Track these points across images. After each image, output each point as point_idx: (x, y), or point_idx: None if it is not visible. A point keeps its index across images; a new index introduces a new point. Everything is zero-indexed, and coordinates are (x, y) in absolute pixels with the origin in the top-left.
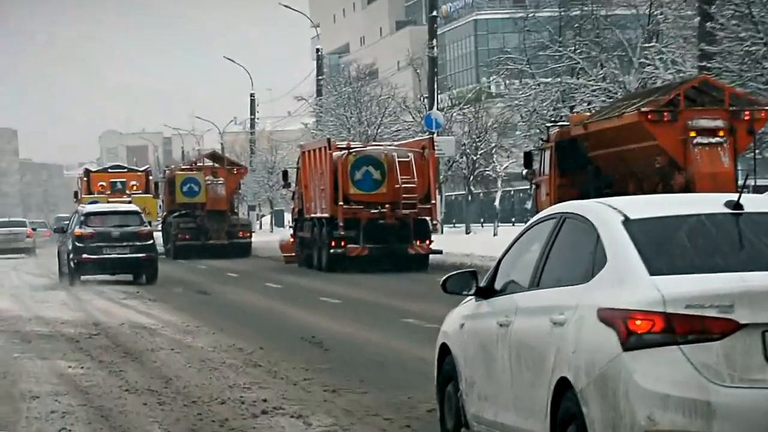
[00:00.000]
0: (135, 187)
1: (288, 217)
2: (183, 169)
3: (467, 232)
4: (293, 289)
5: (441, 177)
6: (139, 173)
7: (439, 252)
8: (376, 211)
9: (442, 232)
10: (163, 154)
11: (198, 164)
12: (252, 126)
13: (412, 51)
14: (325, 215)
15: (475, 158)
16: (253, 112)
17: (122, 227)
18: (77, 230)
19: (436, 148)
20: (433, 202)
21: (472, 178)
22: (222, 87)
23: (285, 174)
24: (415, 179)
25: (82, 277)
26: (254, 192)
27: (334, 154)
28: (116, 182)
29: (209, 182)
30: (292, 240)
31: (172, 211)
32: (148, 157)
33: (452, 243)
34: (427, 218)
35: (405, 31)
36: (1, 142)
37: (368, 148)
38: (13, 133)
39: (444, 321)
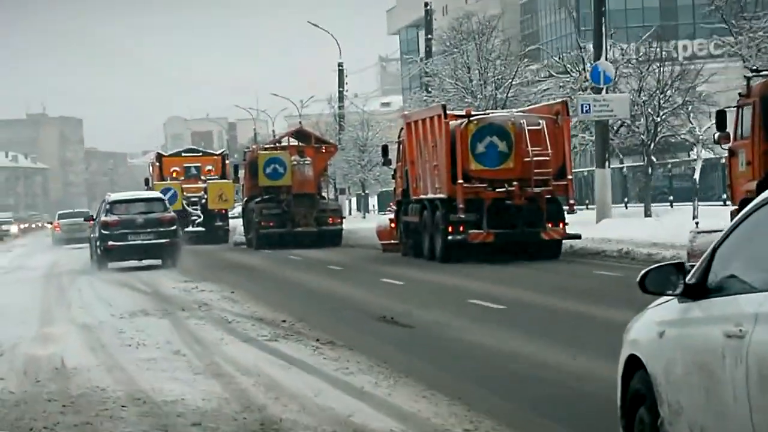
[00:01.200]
0: (211, 172)
1: (373, 202)
2: (266, 149)
3: (647, 215)
4: (422, 288)
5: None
6: (215, 157)
7: (577, 237)
8: (502, 189)
9: (574, 212)
10: (228, 140)
11: (282, 143)
12: (340, 99)
13: None
14: (440, 196)
15: (658, 119)
16: (341, 83)
17: (146, 214)
18: (103, 218)
19: (600, 108)
20: (570, 177)
21: (653, 145)
22: (290, 68)
23: (385, 149)
24: (549, 151)
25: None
26: (344, 173)
27: (451, 123)
28: (190, 167)
29: (295, 163)
30: (392, 225)
31: (253, 197)
32: (213, 142)
33: (590, 227)
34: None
35: None
36: (66, 131)
37: (492, 115)
38: (79, 122)
39: (629, 327)
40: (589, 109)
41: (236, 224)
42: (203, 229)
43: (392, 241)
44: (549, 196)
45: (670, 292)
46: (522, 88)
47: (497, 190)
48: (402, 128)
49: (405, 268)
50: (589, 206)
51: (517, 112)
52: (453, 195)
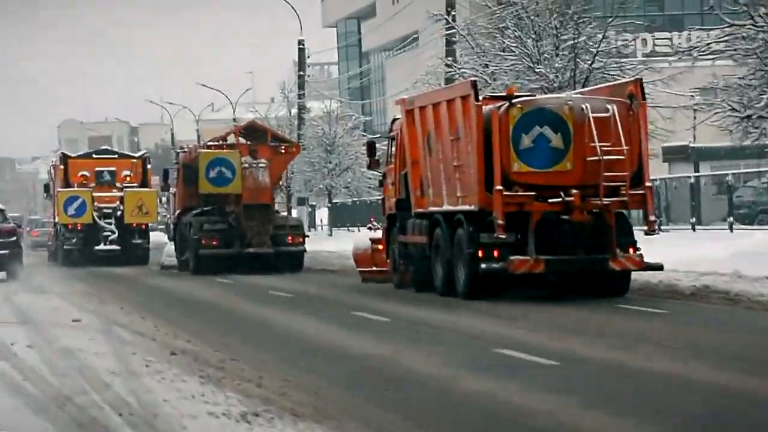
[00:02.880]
0: (128, 179)
1: (321, 215)
2: (209, 147)
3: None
4: (436, 332)
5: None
6: (133, 160)
7: (658, 268)
8: (556, 200)
9: (654, 233)
10: (129, 146)
11: (228, 140)
12: (300, 87)
13: None
14: (466, 208)
15: None
16: (302, 66)
17: None
18: None
19: None
20: (648, 185)
21: None
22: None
23: (372, 147)
24: (622, 147)
25: None
26: (306, 179)
27: (485, 108)
28: (103, 171)
29: (246, 165)
30: (379, 247)
31: (190, 208)
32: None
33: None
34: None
35: None
36: None
37: (542, 97)
38: None
39: None
40: None
41: (160, 241)
42: (118, 247)
43: (375, 269)
44: (621, 211)
45: None
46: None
47: (549, 200)
48: (395, 119)
49: (401, 305)
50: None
51: (575, 93)
52: (487, 207)
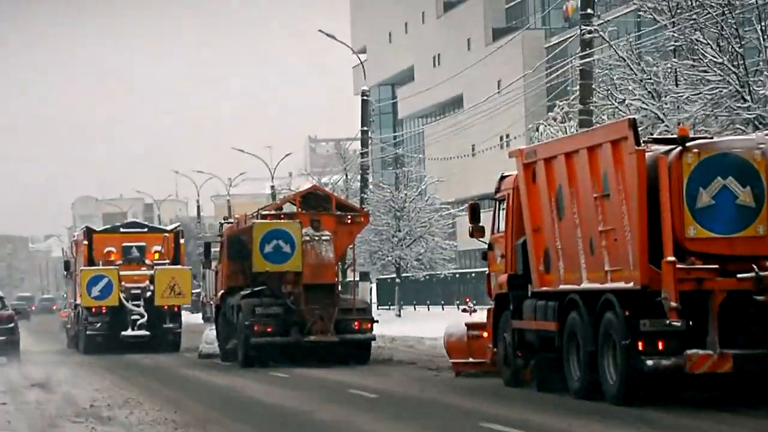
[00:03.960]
0: (159, 256)
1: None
2: (264, 216)
3: None
4: None
5: None
6: (165, 234)
7: None
8: (747, 275)
9: None
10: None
11: (283, 209)
12: (364, 144)
13: None
14: (619, 286)
15: None
16: (365, 120)
17: None
18: None
19: None
20: None
21: None
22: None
23: (475, 210)
24: None
25: None
26: (372, 250)
27: (648, 155)
28: (131, 247)
29: (308, 238)
30: (483, 335)
31: (236, 288)
32: None
33: None
34: None
35: None
36: None
37: (724, 140)
38: None
39: None
40: None
41: (190, 323)
42: (147, 333)
43: (472, 360)
44: None
45: None
46: None
47: (738, 276)
48: (504, 177)
49: (531, 411)
50: None
51: (764, 134)
52: (652, 284)
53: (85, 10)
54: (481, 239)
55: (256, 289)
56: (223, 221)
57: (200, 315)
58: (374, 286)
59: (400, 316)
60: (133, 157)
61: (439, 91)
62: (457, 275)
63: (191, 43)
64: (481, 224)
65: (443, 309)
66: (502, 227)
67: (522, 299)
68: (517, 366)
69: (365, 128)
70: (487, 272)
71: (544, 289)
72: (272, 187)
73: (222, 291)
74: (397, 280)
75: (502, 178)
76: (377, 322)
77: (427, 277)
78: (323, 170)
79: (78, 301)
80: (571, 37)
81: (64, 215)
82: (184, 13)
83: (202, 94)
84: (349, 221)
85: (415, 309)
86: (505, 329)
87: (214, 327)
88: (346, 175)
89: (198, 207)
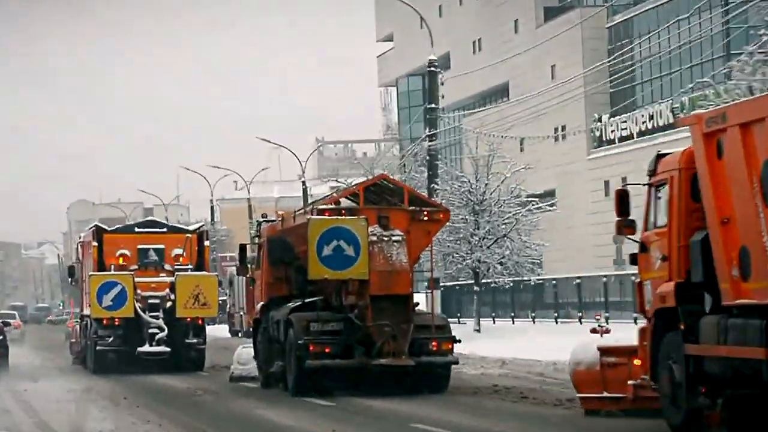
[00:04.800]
0: (181, 260)
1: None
2: (320, 212)
3: None
4: None
5: None
6: (188, 235)
7: None
8: None
9: None
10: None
11: (341, 202)
12: (432, 125)
13: None
14: None
15: None
16: (434, 95)
17: None
18: None
19: None
20: None
21: None
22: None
23: (623, 198)
24: None
25: None
26: (445, 252)
27: None
28: (148, 250)
29: (376, 239)
30: (635, 361)
31: (282, 299)
32: None
33: None
34: None
35: None
36: None
37: None
38: None
39: None
40: None
41: (215, 336)
42: (167, 349)
43: (607, 395)
44: None
45: None
46: None
47: None
48: (660, 155)
49: None
50: None
51: None
52: None
53: (85, 8)
54: (630, 237)
55: (308, 300)
56: (261, 220)
57: (226, 327)
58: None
59: (479, 331)
60: (132, 160)
61: (480, 80)
62: (554, 282)
63: (193, 40)
64: (631, 218)
65: (534, 322)
66: (661, 221)
67: (698, 316)
68: (693, 406)
69: (433, 105)
70: (637, 281)
71: (742, 301)
72: (303, 183)
73: (262, 303)
74: (476, 288)
75: (659, 156)
76: (459, 341)
77: (510, 284)
78: (333, 174)
79: (86, 312)
80: (638, 13)
81: (59, 220)
82: (185, 6)
83: (202, 95)
84: (425, 218)
85: (494, 322)
86: (670, 356)
87: (248, 345)
88: (404, 166)
89: (212, 208)
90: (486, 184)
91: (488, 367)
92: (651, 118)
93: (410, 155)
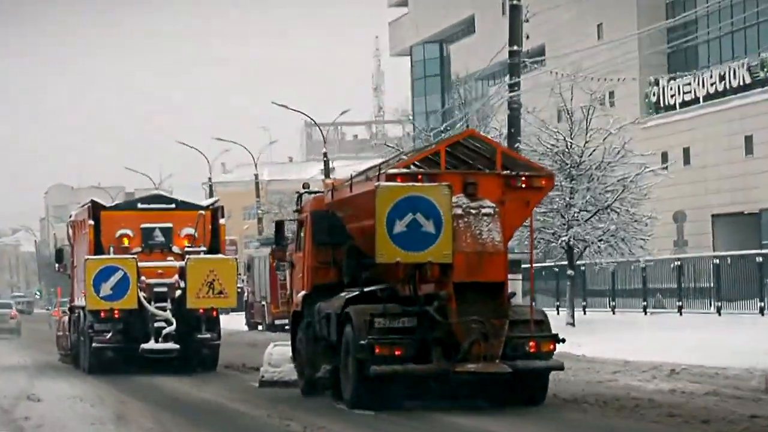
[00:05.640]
0: (193, 241)
1: None
2: (393, 178)
3: None
4: None
5: None
6: (201, 212)
7: None
8: None
9: None
10: None
11: (419, 165)
12: (513, 72)
13: None
14: None
15: None
16: (516, 29)
17: None
18: None
19: None
20: None
21: None
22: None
23: None
24: None
25: None
26: (537, 226)
27: None
28: (153, 229)
29: (461, 212)
30: None
31: (326, 287)
32: None
33: None
34: None
35: None
36: None
37: None
38: None
39: None
40: None
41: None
42: (176, 345)
43: None
44: None
45: None
46: None
47: None
48: None
49: None
50: None
51: None
52: None
53: None
54: None
55: (367, 289)
56: (303, 191)
57: (242, 319)
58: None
59: (573, 324)
60: (114, 142)
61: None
62: (645, 264)
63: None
64: None
65: (645, 314)
66: None
67: None
68: None
69: (515, 47)
70: None
71: None
72: (325, 155)
73: (304, 292)
74: (569, 272)
75: None
76: (563, 341)
77: (614, 265)
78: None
79: (79, 302)
80: None
81: (36, 205)
82: None
83: (188, 75)
84: (523, 185)
85: (584, 313)
86: None
87: (281, 343)
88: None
89: (210, 187)
90: (586, 142)
91: (601, 372)
92: (722, 78)
93: (471, 115)
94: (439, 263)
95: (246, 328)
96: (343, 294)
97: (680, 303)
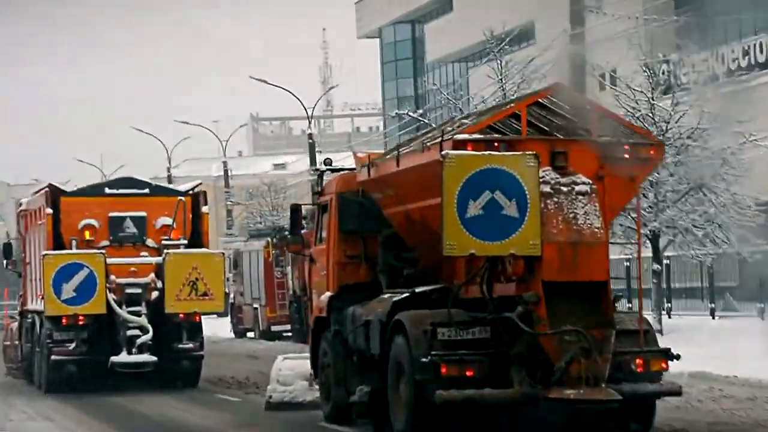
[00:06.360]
0: (170, 232)
1: None
2: (462, 146)
3: None
4: None
5: None
6: (181, 197)
7: None
8: None
9: None
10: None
11: (481, 129)
12: (577, 20)
13: None
14: None
15: None
16: None
17: None
18: None
19: None
20: None
21: None
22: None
23: None
24: None
25: None
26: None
27: None
28: (123, 218)
29: (551, 190)
30: None
31: (358, 288)
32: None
33: None
34: None
35: None
36: None
37: None
38: None
39: None
40: None
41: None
42: (153, 358)
43: None
44: None
45: None
46: None
47: None
48: None
49: None
50: None
51: None
52: None
53: None
54: None
55: (420, 290)
56: (325, 168)
57: (227, 324)
58: None
59: (661, 332)
60: (50, 136)
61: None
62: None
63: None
64: None
65: (763, 318)
66: None
67: None
68: None
69: None
70: None
71: None
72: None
73: (329, 293)
74: (655, 267)
75: None
76: (678, 357)
77: (713, 258)
78: (269, 153)
79: (33, 306)
80: None
81: None
82: None
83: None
84: (626, 155)
85: (668, 317)
86: None
87: (291, 356)
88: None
89: (169, 176)
90: (676, 104)
91: (716, 393)
92: (746, 54)
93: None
94: (523, 256)
95: (232, 335)
96: (386, 296)
97: None
